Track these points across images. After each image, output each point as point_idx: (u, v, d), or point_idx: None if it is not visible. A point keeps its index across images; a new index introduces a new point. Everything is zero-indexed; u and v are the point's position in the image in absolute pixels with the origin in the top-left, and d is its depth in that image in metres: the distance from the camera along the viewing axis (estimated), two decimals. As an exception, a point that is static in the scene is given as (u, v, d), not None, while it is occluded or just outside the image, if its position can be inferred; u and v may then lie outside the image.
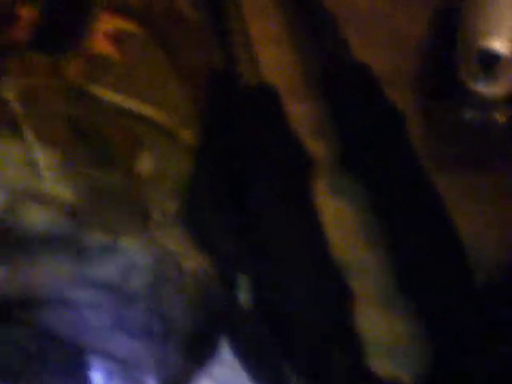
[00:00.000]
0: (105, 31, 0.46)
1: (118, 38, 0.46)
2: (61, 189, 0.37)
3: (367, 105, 0.49)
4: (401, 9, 0.53)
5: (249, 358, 0.42)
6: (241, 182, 0.46)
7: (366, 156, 0.48)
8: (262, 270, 0.44)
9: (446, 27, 0.50)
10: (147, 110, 0.45)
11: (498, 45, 0.46)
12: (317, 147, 0.49)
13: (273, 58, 0.51)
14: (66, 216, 0.37)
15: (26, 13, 0.47)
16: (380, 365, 0.43)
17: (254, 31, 0.51)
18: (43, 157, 0.38)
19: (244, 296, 0.43)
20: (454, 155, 0.48)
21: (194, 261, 0.41)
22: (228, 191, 0.46)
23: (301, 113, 0.49)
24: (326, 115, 0.50)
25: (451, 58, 0.48)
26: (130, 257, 0.38)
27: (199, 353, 0.40)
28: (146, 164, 0.43)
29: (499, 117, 0.47)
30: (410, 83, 0.50)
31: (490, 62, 0.46)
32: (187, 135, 0.46)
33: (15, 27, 0.46)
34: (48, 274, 0.36)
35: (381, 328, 0.44)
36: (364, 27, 0.52)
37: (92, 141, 0.41)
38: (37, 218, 0.37)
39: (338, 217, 0.47)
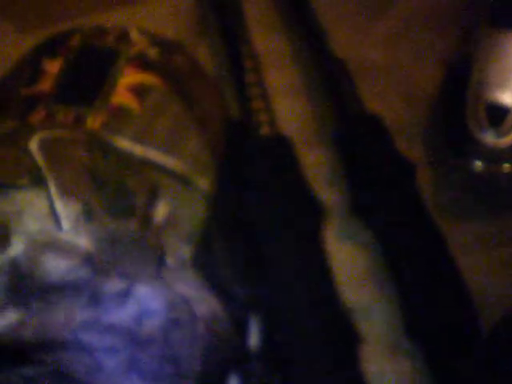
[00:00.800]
0: (127, 84, 0.48)
1: (139, 91, 0.48)
2: (79, 238, 0.39)
3: (378, 155, 0.50)
4: (412, 60, 0.55)
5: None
6: (254, 228, 0.48)
7: (376, 204, 0.49)
8: (272, 314, 0.45)
9: (456, 79, 0.51)
10: (166, 160, 0.47)
11: (506, 98, 0.48)
12: (328, 195, 0.50)
13: (287, 109, 0.53)
14: (82, 264, 0.39)
15: (51, 67, 0.50)
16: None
17: (269, 82, 0.53)
18: (64, 208, 0.40)
19: (254, 339, 0.44)
20: (464, 205, 0.50)
21: (205, 305, 0.42)
22: (241, 237, 0.48)
23: (314, 161, 0.51)
24: (337, 164, 0.51)
25: (461, 110, 0.49)
26: (143, 302, 0.39)
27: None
28: (162, 211, 0.45)
29: (508, 167, 0.48)
30: (420, 134, 0.52)
31: (499, 115, 0.48)
32: (203, 183, 0.48)
33: (41, 81, 0.49)
34: (63, 318, 0.38)
35: (387, 370, 0.45)
36: (376, 78, 0.54)
37: (111, 191, 0.42)
38: (54, 266, 0.38)
39: (347, 262, 0.49)
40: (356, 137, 0.51)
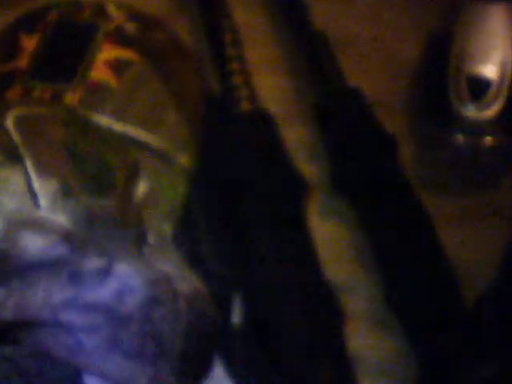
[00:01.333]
0: (105, 60, 0.47)
1: (117, 67, 0.47)
2: (57, 216, 0.39)
3: (360, 129, 0.50)
4: (392, 32, 0.54)
5: (240, 376, 0.43)
6: (235, 205, 0.48)
7: (358, 179, 0.49)
8: (254, 290, 0.45)
9: (438, 51, 0.51)
10: (145, 136, 0.46)
11: (487, 70, 0.48)
12: (310, 170, 0.50)
13: (268, 84, 0.52)
14: (61, 242, 0.38)
15: (28, 43, 0.49)
16: (370, 382, 0.43)
17: (250, 58, 0.53)
18: (41, 185, 0.39)
19: (236, 316, 0.44)
20: (445, 178, 0.49)
21: (187, 282, 0.42)
22: (222, 214, 0.48)
23: (295, 137, 0.51)
24: (319, 139, 0.51)
25: (443, 84, 0.49)
26: (123, 280, 0.39)
27: (192, 372, 0.41)
28: (142, 188, 0.45)
29: (488, 140, 0.48)
30: (402, 107, 0.52)
31: (480, 88, 0.47)
32: (183, 159, 0.48)
33: (17, 57, 0.48)
34: (42, 297, 0.37)
35: (370, 345, 0.45)
36: (357, 52, 0.54)
37: (90, 167, 0.42)
38: (32, 244, 0.38)
39: (330, 237, 0.48)
40: (337, 111, 0.50)
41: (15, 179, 0.39)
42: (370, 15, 0.55)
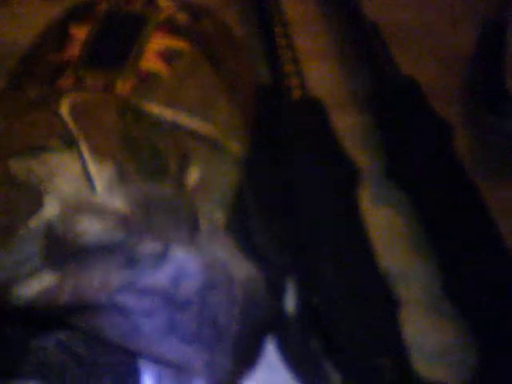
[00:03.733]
0: (155, 49, 0.47)
1: (168, 56, 0.47)
2: (113, 200, 0.39)
3: (414, 116, 0.49)
4: (447, 22, 0.54)
5: (294, 361, 0.42)
6: (288, 192, 0.47)
7: (413, 166, 0.48)
8: (309, 277, 0.45)
9: (493, 38, 0.50)
10: (196, 124, 0.46)
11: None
12: (363, 158, 0.49)
13: (319, 72, 0.52)
14: (117, 226, 0.38)
15: (79, 32, 0.49)
16: (428, 370, 0.43)
17: (300, 46, 0.52)
18: (97, 169, 0.39)
19: (290, 301, 0.43)
20: (503, 166, 0.49)
21: (241, 268, 0.41)
22: (275, 201, 0.47)
23: (347, 125, 0.50)
24: (372, 127, 0.50)
25: (499, 71, 0.48)
26: (180, 264, 0.39)
27: (247, 356, 0.41)
28: (194, 176, 0.44)
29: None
30: (457, 96, 0.51)
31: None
32: (235, 147, 0.47)
33: (68, 47, 0.48)
34: (99, 281, 0.37)
35: (427, 333, 0.44)
36: (410, 41, 0.53)
37: (143, 153, 0.42)
38: (89, 228, 0.38)
39: (383, 225, 0.48)
40: (391, 99, 0.50)
41: (71, 164, 0.39)
42: (422, 4, 0.54)
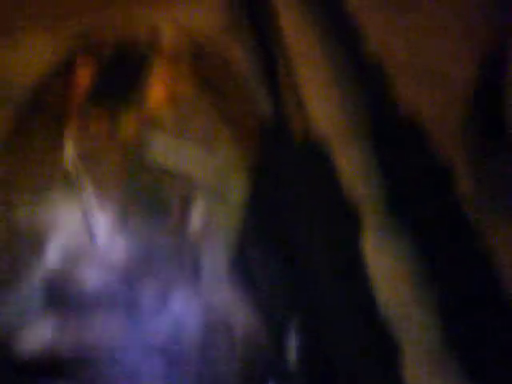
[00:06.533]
0: (159, 92, 0.48)
1: (171, 99, 0.48)
2: (114, 248, 0.39)
3: (415, 155, 0.49)
4: (447, 56, 0.54)
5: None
6: (290, 235, 0.48)
7: (414, 207, 0.48)
8: (310, 323, 0.45)
9: (494, 74, 0.50)
10: (198, 170, 0.47)
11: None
12: (364, 198, 0.49)
13: (321, 103, 0.52)
14: (118, 276, 0.38)
15: (83, 75, 0.49)
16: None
17: (303, 83, 0.52)
18: (99, 217, 0.39)
19: (292, 353, 0.43)
20: (502, 202, 0.48)
21: (242, 318, 0.42)
22: (277, 244, 0.48)
23: (349, 163, 0.50)
24: (374, 166, 0.50)
25: (500, 109, 0.48)
26: (180, 316, 0.39)
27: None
28: (196, 221, 0.45)
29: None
30: (457, 132, 0.51)
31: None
32: (237, 190, 0.48)
33: (73, 88, 0.49)
34: (99, 332, 0.38)
35: (428, 379, 0.44)
36: (409, 75, 0.53)
37: (146, 201, 0.42)
38: (89, 278, 0.38)
39: (386, 270, 0.47)
40: (392, 137, 0.50)
41: (74, 211, 0.40)
42: (420, 38, 0.54)
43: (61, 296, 0.38)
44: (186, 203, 0.45)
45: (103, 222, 0.39)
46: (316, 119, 0.50)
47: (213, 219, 0.45)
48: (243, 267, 0.46)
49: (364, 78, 0.52)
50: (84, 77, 0.49)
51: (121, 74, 0.49)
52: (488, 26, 0.52)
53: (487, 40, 0.51)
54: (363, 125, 0.51)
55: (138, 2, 0.56)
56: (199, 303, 0.40)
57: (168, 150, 0.46)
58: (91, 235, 0.39)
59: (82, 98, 0.48)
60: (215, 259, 0.45)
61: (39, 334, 0.38)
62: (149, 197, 0.43)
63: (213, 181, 0.47)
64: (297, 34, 0.54)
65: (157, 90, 0.47)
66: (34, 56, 0.55)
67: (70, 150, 0.43)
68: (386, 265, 0.48)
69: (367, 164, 0.51)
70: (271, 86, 0.52)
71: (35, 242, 0.39)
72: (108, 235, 0.39)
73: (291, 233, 0.47)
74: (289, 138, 0.49)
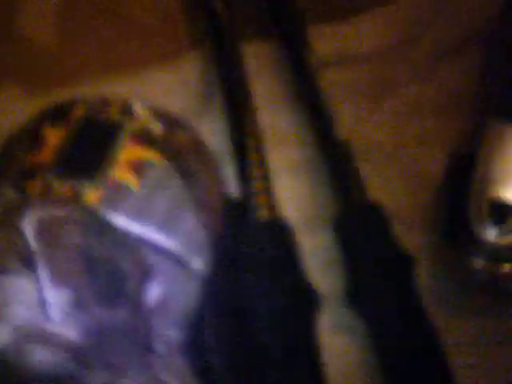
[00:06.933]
0: (127, 160, 0.48)
1: (139, 168, 0.47)
2: (67, 330, 0.38)
3: (377, 245, 0.49)
4: (418, 145, 0.54)
5: None
6: (246, 314, 0.47)
7: (373, 295, 0.48)
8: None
9: (461, 171, 0.51)
10: (161, 239, 0.46)
11: (510, 195, 0.47)
12: (324, 282, 0.49)
13: (288, 189, 0.52)
14: (70, 358, 0.38)
15: (53, 137, 0.49)
16: None
17: (272, 161, 0.52)
18: (54, 296, 0.39)
19: None
20: (461, 300, 0.49)
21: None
22: (234, 323, 0.47)
23: (312, 246, 0.50)
24: (335, 251, 0.51)
25: (464, 204, 0.48)
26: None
27: None
28: (154, 293, 0.44)
29: (508, 267, 0.47)
30: (421, 224, 0.51)
31: (502, 213, 0.47)
32: (198, 263, 0.47)
33: (40, 151, 0.48)
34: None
35: None
36: (379, 161, 0.54)
37: (103, 275, 0.42)
38: (41, 358, 0.37)
39: (340, 355, 0.48)
40: (355, 225, 0.50)
41: (28, 289, 0.39)
42: (393, 125, 0.55)
43: (11, 375, 0.38)
44: (145, 274, 0.44)
45: (58, 300, 0.39)
46: (283, 201, 0.51)
47: (171, 291, 0.45)
48: (197, 344, 0.46)
49: (332, 163, 0.53)
50: (53, 137, 0.48)
51: (90, 139, 0.49)
52: (463, 117, 0.53)
53: (459, 135, 0.52)
54: (329, 212, 0.52)
55: (114, 81, 0.57)
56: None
57: (133, 216, 0.46)
58: (45, 313, 0.38)
59: (49, 159, 0.47)
60: (168, 334, 0.44)
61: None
62: (107, 271, 0.42)
63: (175, 250, 0.46)
64: (270, 113, 0.55)
65: (125, 157, 0.47)
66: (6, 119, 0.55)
67: (30, 219, 0.42)
68: (340, 350, 0.48)
69: (329, 251, 0.51)
70: (240, 163, 0.52)
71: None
72: (62, 314, 0.38)
73: (249, 312, 0.47)
74: (253, 218, 0.50)
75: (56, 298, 0.39)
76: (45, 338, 0.38)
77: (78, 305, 0.39)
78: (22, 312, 0.38)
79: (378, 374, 0.47)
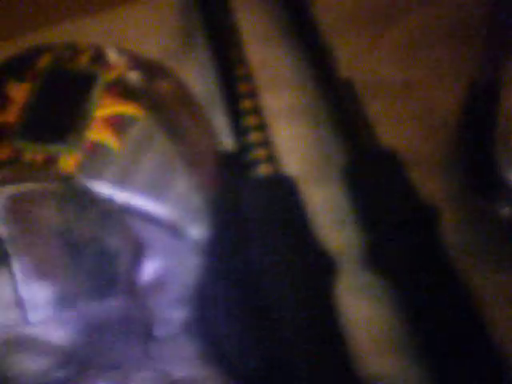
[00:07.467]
0: (104, 116, 0.42)
1: (118, 125, 0.41)
2: (52, 332, 0.33)
3: (393, 194, 0.44)
4: (429, 79, 0.49)
5: None
6: (254, 282, 0.42)
7: (392, 250, 0.43)
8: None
9: (482, 104, 0.45)
10: (151, 207, 0.41)
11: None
12: (338, 240, 0.44)
13: (289, 138, 0.47)
14: (58, 363, 0.32)
15: (17, 93, 0.43)
16: None
17: (268, 106, 0.47)
18: (31, 294, 0.33)
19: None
20: (487, 251, 0.44)
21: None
22: (241, 292, 0.42)
23: (320, 200, 0.45)
24: (346, 204, 0.45)
25: (488, 142, 0.43)
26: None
27: None
28: (149, 271, 0.39)
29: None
30: (440, 167, 0.46)
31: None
32: (195, 231, 0.42)
33: (5, 110, 0.42)
34: None
35: None
36: (387, 100, 0.48)
37: (89, 259, 0.36)
38: (25, 367, 0.32)
39: (363, 319, 0.43)
40: (366, 174, 0.45)
41: (2, 287, 0.33)
42: (400, 57, 0.49)
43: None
44: (136, 250, 0.39)
45: (37, 298, 0.33)
46: (283, 152, 0.45)
47: (168, 265, 0.39)
48: (204, 322, 0.40)
49: (335, 105, 0.47)
50: (18, 93, 0.42)
51: (60, 93, 0.43)
52: (476, 54, 0.47)
53: (475, 68, 0.46)
54: (335, 160, 0.46)
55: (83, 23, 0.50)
56: (153, 382, 0.34)
57: (116, 183, 0.40)
58: (23, 315, 0.32)
59: (15, 120, 0.41)
60: (169, 315, 0.39)
61: None
62: (93, 250, 0.36)
63: (168, 218, 0.41)
64: (262, 48, 0.48)
65: (102, 113, 0.41)
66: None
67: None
68: (362, 313, 0.43)
69: (339, 201, 0.45)
70: (231, 115, 0.46)
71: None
72: (43, 314, 0.32)
73: (256, 277, 0.42)
74: (252, 174, 0.44)
75: (35, 296, 0.33)
76: (26, 344, 0.32)
77: (63, 301, 0.33)
78: (-1, 315, 0.32)
79: (408, 339, 0.42)
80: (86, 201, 0.39)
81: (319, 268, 0.43)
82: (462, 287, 0.42)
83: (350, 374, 0.40)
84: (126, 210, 0.40)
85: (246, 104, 0.46)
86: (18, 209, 0.36)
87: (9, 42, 0.51)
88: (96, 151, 0.41)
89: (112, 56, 0.44)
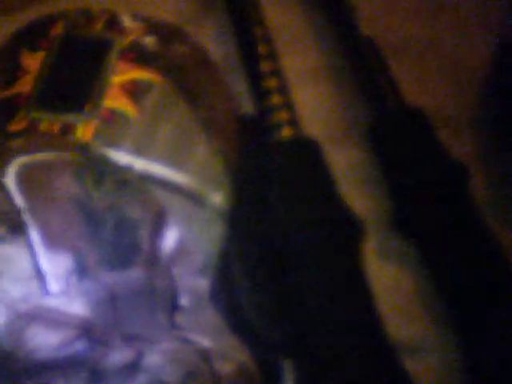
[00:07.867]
0: (121, 83, 0.40)
1: (135, 91, 0.40)
2: (72, 303, 0.32)
3: (421, 155, 0.43)
4: (456, 35, 0.47)
5: None
6: (278, 249, 0.41)
7: (421, 214, 0.42)
8: (308, 356, 0.39)
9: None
10: (171, 174, 0.39)
11: None
12: (364, 203, 0.43)
13: (311, 100, 0.45)
14: (78, 335, 0.31)
15: (31, 62, 0.42)
16: None
17: (288, 68, 0.45)
18: (51, 264, 0.32)
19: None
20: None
21: (229, 359, 0.35)
22: (264, 260, 0.41)
23: (345, 163, 0.44)
24: (373, 166, 0.44)
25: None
26: (155, 373, 0.32)
27: None
28: (171, 240, 0.38)
29: None
30: (470, 126, 0.44)
31: None
32: (216, 198, 0.41)
33: (19, 80, 0.41)
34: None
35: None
36: (412, 58, 0.47)
37: (108, 228, 0.35)
38: (44, 340, 0.31)
39: (390, 285, 0.42)
40: (393, 134, 0.43)
41: (20, 258, 0.32)
42: (426, 14, 0.47)
43: (10, 363, 0.31)
44: (158, 219, 0.38)
45: (56, 268, 0.32)
46: (305, 115, 0.43)
47: (190, 234, 0.38)
48: (228, 291, 0.39)
49: (358, 65, 0.45)
50: (32, 62, 0.41)
51: (74, 61, 0.41)
52: (503, 10, 0.45)
53: (502, 24, 0.45)
54: (360, 121, 0.45)
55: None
56: (177, 353, 0.33)
57: (134, 151, 0.39)
58: (42, 286, 0.31)
59: (30, 90, 0.40)
60: (193, 284, 0.38)
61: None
62: (112, 220, 0.35)
63: (188, 185, 0.40)
64: (280, 11, 0.47)
65: (118, 80, 0.40)
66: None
67: (13, 169, 0.35)
68: (390, 277, 0.42)
69: (365, 163, 0.44)
70: (251, 78, 0.45)
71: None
72: (63, 285, 0.32)
73: (280, 242, 0.41)
74: (274, 138, 0.43)
75: (54, 266, 0.32)
76: (45, 316, 0.31)
77: (82, 272, 0.32)
78: (15, 287, 0.31)
79: (437, 304, 0.40)
80: (104, 169, 0.38)
81: (345, 231, 0.42)
82: (491, 249, 0.41)
83: (377, 339, 0.39)
84: (145, 179, 0.39)
85: (266, 66, 0.45)
86: (35, 178, 0.35)
87: (22, 12, 0.50)
88: (113, 119, 0.39)
89: (127, 21, 0.43)
